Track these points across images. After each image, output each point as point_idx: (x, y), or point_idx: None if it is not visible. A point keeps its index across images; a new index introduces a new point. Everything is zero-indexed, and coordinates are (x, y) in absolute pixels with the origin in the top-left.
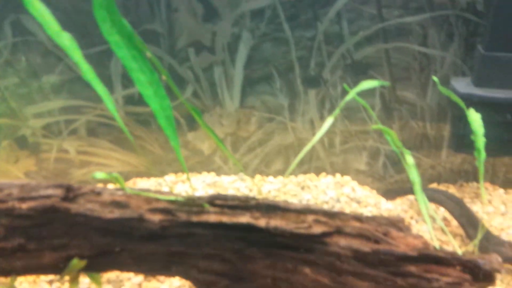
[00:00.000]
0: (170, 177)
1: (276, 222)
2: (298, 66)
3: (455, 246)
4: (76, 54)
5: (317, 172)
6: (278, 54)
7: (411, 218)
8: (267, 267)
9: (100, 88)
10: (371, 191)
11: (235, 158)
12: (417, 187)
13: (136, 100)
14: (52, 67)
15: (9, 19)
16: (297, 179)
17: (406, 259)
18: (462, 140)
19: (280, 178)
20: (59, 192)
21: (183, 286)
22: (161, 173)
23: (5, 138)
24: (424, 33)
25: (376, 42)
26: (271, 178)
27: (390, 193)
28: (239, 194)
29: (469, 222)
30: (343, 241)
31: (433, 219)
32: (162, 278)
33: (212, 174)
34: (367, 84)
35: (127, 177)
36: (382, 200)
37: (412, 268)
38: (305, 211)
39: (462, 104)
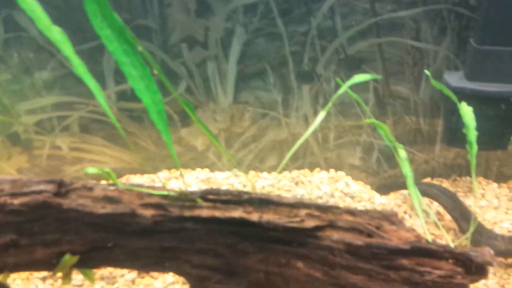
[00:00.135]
0: (163, 174)
1: (268, 216)
2: (292, 61)
3: (448, 240)
4: (67, 48)
5: (311, 167)
6: (272, 49)
7: (405, 212)
8: (260, 262)
9: (91, 83)
10: (365, 186)
11: (228, 154)
12: (410, 181)
13: (129, 96)
14: (44, 63)
15: (1, 15)
16: (291, 174)
17: (398, 252)
18: (455, 134)
19: (274, 174)
20: (51, 187)
21: (176, 283)
22: (155, 170)
23: None
24: (417, 28)
25: (369, 37)
26: (265, 174)
27: (383, 188)
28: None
29: (462, 216)
30: (335, 235)
31: (426, 214)
32: (155, 274)
33: (206, 170)
34: (359, 78)
35: (120, 173)
36: (376, 195)
37: (405, 262)
38: (298, 205)
39: (454, 97)
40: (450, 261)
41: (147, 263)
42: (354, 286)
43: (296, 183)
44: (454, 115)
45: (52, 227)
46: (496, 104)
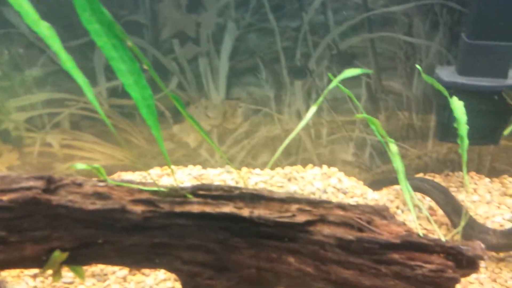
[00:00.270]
0: (155, 171)
1: (259, 212)
2: (284, 56)
3: (439, 234)
4: (55, 43)
5: (304, 163)
6: (264, 44)
7: (397, 208)
8: (251, 257)
9: (80, 78)
10: (358, 181)
11: (221, 150)
12: (401, 175)
13: (120, 92)
14: (34, 60)
15: None
16: (284, 171)
17: (389, 246)
18: (447, 129)
19: (267, 170)
20: (40, 183)
21: (168, 279)
22: (146, 167)
23: None
24: (409, 22)
25: (362, 32)
26: (257, 170)
27: (376, 184)
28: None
29: (454, 211)
30: (326, 230)
31: (418, 208)
32: (147, 271)
33: (198, 167)
34: (350, 72)
35: (111, 171)
36: (369, 190)
37: (396, 256)
38: (289, 200)
39: (445, 92)
40: (441, 255)
41: (137, 259)
42: (345, 280)
43: (289, 179)
44: (446, 110)
45: (41, 223)
46: (488, 98)
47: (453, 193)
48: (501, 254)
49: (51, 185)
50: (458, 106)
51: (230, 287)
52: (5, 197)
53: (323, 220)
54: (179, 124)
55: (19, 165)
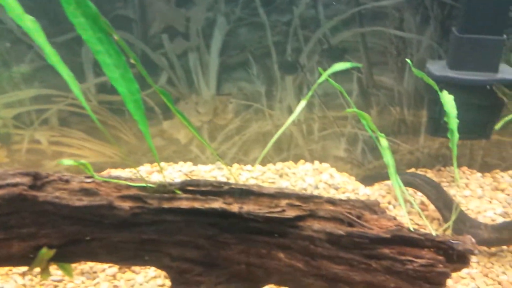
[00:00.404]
0: (145, 167)
1: (249, 207)
2: (275, 51)
3: (431, 229)
4: (39, 37)
5: (296, 159)
6: (254, 39)
7: (389, 203)
8: (241, 253)
9: (65, 72)
10: (350, 177)
11: (210, 146)
12: (392, 169)
13: (109, 88)
14: (22, 56)
15: None
16: (276, 167)
17: (380, 241)
18: (438, 123)
19: (258, 166)
20: (26, 180)
21: (158, 277)
22: (136, 163)
23: None
24: (400, 17)
25: (353, 26)
26: (249, 166)
27: (368, 179)
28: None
29: (445, 206)
30: (317, 225)
31: (410, 204)
32: (137, 269)
33: (189, 163)
34: (339, 66)
35: (101, 168)
36: (360, 186)
37: (386, 251)
38: (279, 195)
39: (435, 86)
40: (432, 249)
41: (126, 256)
42: (336, 276)
43: (281, 175)
44: (437, 104)
45: (28, 220)
46: (479, 92)
47: (444, 188)
48: (493, 249)
49: (37, 181)
50: (448, 100)
51: (220, 284)
52: None
53: (313, 215)
54: (169, 120)
55: (8, 163)
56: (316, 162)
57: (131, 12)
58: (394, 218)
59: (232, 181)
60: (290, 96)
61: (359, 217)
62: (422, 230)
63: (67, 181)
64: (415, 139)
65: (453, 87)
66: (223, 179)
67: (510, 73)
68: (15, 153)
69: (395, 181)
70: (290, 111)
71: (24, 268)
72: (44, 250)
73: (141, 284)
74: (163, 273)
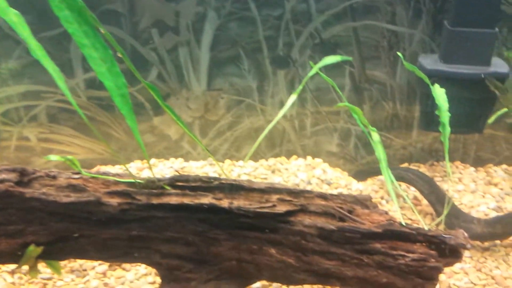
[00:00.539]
0: (136, 164)
1: (239, 202)
2: (266, 46)
3: (423, 224)
4: (24, 30)
5: (288, 155)
6: (245, 34)
7: (382, 198)
8: (231, 249)
9: (50, 66)
10: (342, 172)
11: (200, 141)
12: (383, 164)
13: (98, 84)
14: (10, 51)
15: None
16: (268, 162)
17: (371, 236)
18: (431, 118)
19: (250, 162)
20: (12, 176)
21: (149, 274)
22: (127, 160)
23: None
24: (392, 11)
25: (344, 21)
26: (241, 162)
27: (361, 174)
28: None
29: (438, 200)
30: (308, 220)
31: (403, 199)
32: (127, 266)
33: (180, 160)
34: (330, 59)
35: (91, 165)
36: (353, 181)
37: (378, 245)
38: (269, 190)
39: (427, 80)
40: (424, 244)
41: (115, 253)
42: (327, 271)
43: (273, 171)
44: (429, 98)
45: (15, 217)
46: (471, 86)
47: (438, 183)
48: (486, 244)
49: (24, 177)
50: (439, 93)
51: (211, 280)
52: None
53: (304, 210)
54: (160, 116)
55: None
56: (309, 158)
57: (119, 6)
58: (386, 213)
59: (223, 177)
60: (282, 91)
61: (350, 212)
62: (415, 225)
63: (54, 177)
64: (408, 134)
65: (445, 81)
66: (215, 175)
67: (503, 67)
68: (4, 150)
69: (387, 176)
70: (282, 106)
71: (13, 266)
72: (32, 248)
73: (131, 282)
74: (154, 271)
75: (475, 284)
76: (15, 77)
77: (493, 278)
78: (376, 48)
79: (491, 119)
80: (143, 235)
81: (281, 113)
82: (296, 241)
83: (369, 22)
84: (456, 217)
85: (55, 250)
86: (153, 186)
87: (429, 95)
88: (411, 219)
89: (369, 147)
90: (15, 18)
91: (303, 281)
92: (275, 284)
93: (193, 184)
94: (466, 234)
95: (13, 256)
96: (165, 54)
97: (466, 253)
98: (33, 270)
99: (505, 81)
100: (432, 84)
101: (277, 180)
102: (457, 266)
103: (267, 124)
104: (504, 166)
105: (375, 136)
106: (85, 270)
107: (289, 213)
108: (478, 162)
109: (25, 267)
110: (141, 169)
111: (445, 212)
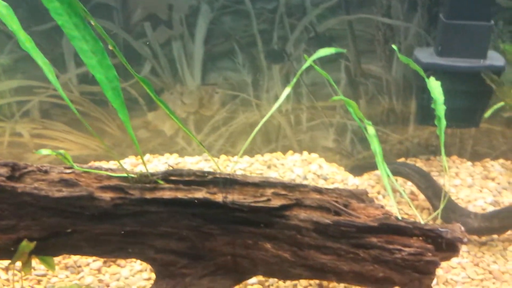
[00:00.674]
0: (130, 159)
1: (233, 197)
2: (261, 40)
3: (420, 219)
4: (13, 23)
5: (284, 150)
6: (239, 27)
7: (378, 193)
8: (226, 244)
9: (40, 58)
10: (339, 168)
11: (195, 136)
12: (379, 157)
13: (91, 79)
14: (1, 47)
15: None
16: (264, 158)
17: (367, 230)
18: (427, 111)
19: (246, 157)
20: (4, 171)
21: (144, 270)
22: (121, 156)
23: None
24: (387, 4)
25: (339, 14)
26: (236, 158)
27: (357, 169)
28: None
29: (435, 195)
30: (303, 214)
31: (399, 193)
32: (122, 262)
33: (175, 155)
34: (324, 51)
35: (85, 161)
36: (349, 176)
37: (374, 240)
38: (264, 184)
39: (422, 72)
40: (420, 238)
41: (109, 249)
42: (323, 266)
43: (269, 166)
44: (424, 92)
45: (7, 212)
46: (467, 79)
47: (434, 178)
48: (483, 238)
49: (15, 172)
50: (435, 86)
51: (206, 276)
52: None
53: (299, 204)
54: (154, 111)
55: None
56: (305, 153)
57: (112, 0)
58: (382, 207)
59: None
60: (277, 85)
61: (346, 206)
62: (411, 219)
63: (46, 172)
64: (405, 128)
65: (441, 74)
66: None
67: (499, 60)
68: None
69: (382, 169)
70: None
71: (7, 263)
72: (25, 243)
73: (126, 278)
74: (149, 267)
75: (472, 279)
76: (7, 72)
77: (490, 272)
78: (371, 42)
79: (487, 113)
80: (136, 230)
81: (275, 105)
82: (292, 236)
83: (364, 15)
84: (453, 212)
85: (49, 246)
86: (147, 180)
87: (424, 88)
88: (407, 214)
89: (365, 142)
90: (4, 10)
91: (299, 276)
92: (271, 280)
93: (187, 179)
94: (463, 228)
95: (6, 252)
96: (158, 48)
97: (463, 248)
98: (27, 266)
99: (501, 74)
100: (428, 77)
101: (273, 175)
102: (454, 260)
103: (262, 119)
104: (501, 160)
105: (371, 130)
106: (79, 266)
107: (284, 207)
108: (475, 157)
109: (19, 263)
110: (135, 165)
111: (442, 206)
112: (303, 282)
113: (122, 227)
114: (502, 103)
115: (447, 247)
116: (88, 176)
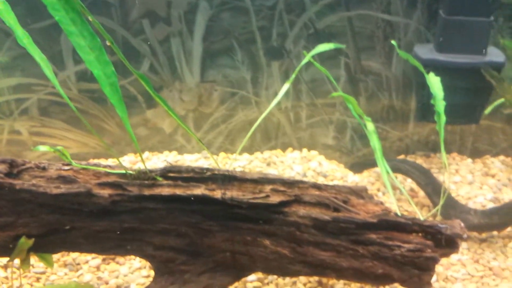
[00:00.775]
0: (129, 157)
1: (232, 193)
2: (260, 37)
3: (420, 216)
4: (10, 18)
5: (284, 148)
6: (238, 24)
7: (378, 190)
8: (225, 241)
9: (37, 54)
10: (338, 165)
11: (193, 133)
12: (378, 153)
13: (90, 76)
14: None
15: None
16: (263, 155)
17: (366, 226)
18: (427, 108)
19: (245, 155)
20: (2, 167)
21: (143, 268)
22: (120, 154)
23: None
24: (387, 0)
25: (339, 10)
26: (236, 155)
27: (357, 166)
28: None
29: (435, 192)
30: (302, 210)
31: (398, 190)
32: (121, 260)
33: (174, 153)
34: (323, 47)
35: (84, 159)
36: (349, 173)
37: (373, 236)
38: (263, 180)
39: (421, 68)
40: (420, 234)
41: (108, 246)
42: (323, 262)
43: (268, 164)
44: (424, 89)
45: (5, 209)
46: (467, 76)
47: (434, 175)
48: (483, 235)
49: (14, 169)
50: (434, 81)
51: (205, 272)
52: None
53: (298, 200)
54: (153, 109)
55: None
56: (304, 150)
57: None
58: (381, 203)
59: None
60: (277, 82)
61: (345, 202)
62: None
63: (44, 169)
64: (404, 125)
65: (441, 70)
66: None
67: (499, 56)
68: None
69: (382, 165)
70: None
71: (5, 260)
72: (23, 240)
73: (125, 275)
74: (148, 264)
75: (472, 276)
76: (5, 70)
77: (490, 269)
78: (371, 39)
79: (488, 110)
80: (135, 227)
81: (274, 101)
82: (291, 232)
83: (364, 11)
84: (453, 208)
85: (47, 243)
86: (145, 177)
87: (424, 85)
88: (407, 211)
89: (365, 139)
90: (1, 6)
91: (298, 272)
92: (270, 276)
93: (185, 175)
94: (462, 224)
95: (5, 249)
96: (157, 45)
97: (463, 245)
98: (25, 263)
99: (501, 70)
100: (427, 73)
101: (272, 173)
102: (454, 257)
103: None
104: (501, 157)
105: (370, 126)
106: (78, 264)
107: (283, 204)
108: (475, 154)
109: (18, 261)
110: (134, 163)
111: (441, 202)
112: (303, 278)
113: (120, 224)
114: (502, 100)
115: (447, 243)
116: (86, 173)
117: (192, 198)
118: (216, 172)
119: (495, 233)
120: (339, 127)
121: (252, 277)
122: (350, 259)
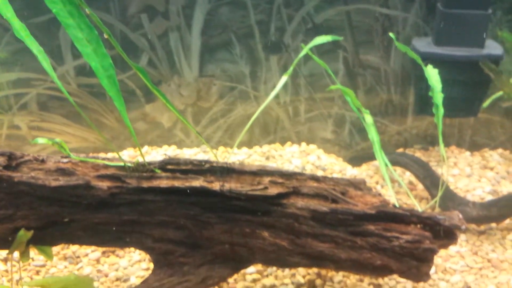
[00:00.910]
0: (128, 151)
1: (231, 185)
2: (258, 31)
3: (418, 208)
4: (7, 10)
5: (283, 142)
6: (236, 18)
7: (377, 183)
8: (224, 233)
9: (35, 47)
10: (337, 158)
11: (193, 127)
12: (376, 146)
13: (88, 70)
14: None
15: None
16: (262, 149)
17: (364, 217)
18: (425, 101)
19: (244, 149)
20: (1, 160)
21: (142, 260)
22: (119, 148)
23: None
24: None
25: (337, 4)
26: (235, 149)
27: (355, 159)
28: None
29: (433, 184)
30: (300, 202)
31: (397, 183)
32: (121, 253)
33: (173, 147)
34: (320, 39)
35: (84, 153)
36: (348, 166)
37: (372, 227)
38: (261, 172)
39: (419, 60)
40: (418, 225)
41: (107, 238)
42: (321, 254)
43: (267, 158)
44: (422, 82)
45: (4, 202)
46: (465, 69)
47: (433, 168)
48: (482, 227)
49: (12, 161)
50: (432, 74)
51: (204, 264)
52: None
53: (296, 192)
54: (151, 103)
55: None
56: (303, 144)
57: None
58: (379, 195)
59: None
60: (275, 76)
61: (343, 194)
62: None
63: (42, 161)
64: (403, 119)
65: (439, 63)
66: None
67: (497, 49)
68: None
69: (380, 158)
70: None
71: (5, 253)
72: (22, 232)
73: (125, 268)
74: (147, 257)
75: (471, 268)
76: (4, 64)
77: (489, 261)
78: (369, 33)
79: (486, 103)
80: (134, 219)
81: (272, 93)
82: (289, 224)
83: (362, 6)
84: (451, 200)
85: (46, 235)
86: (143, 169)
87: (422, 78)
88: (406, 204)
89: (363, 132)
90: None
91: (297, 264)
92: (269, 269)
93: (184, 167)
94: (460, 216)
95: (4, 241)
96: (155, 40)
97: (462, 237)
98: (24, 255)
99: (500, 63)
100: (425, 66)
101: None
102: (453, 249)
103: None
104: (499, 150)
105: (368, 118)
106: (78, 257)
107: (281, 196)
108: (474, 147)
109: (17, 255)
110: (133, 157)
111: (440, 194)
112: (302, 270)
113: (119, 216)
114: (500, 93)
115: (445, 235)
116: (85, 165)
117: (189, 191)
118: (214, 164)
119: (493, 225)
120: (337, 121)
121: (251, 269)
122: (348, 251)
